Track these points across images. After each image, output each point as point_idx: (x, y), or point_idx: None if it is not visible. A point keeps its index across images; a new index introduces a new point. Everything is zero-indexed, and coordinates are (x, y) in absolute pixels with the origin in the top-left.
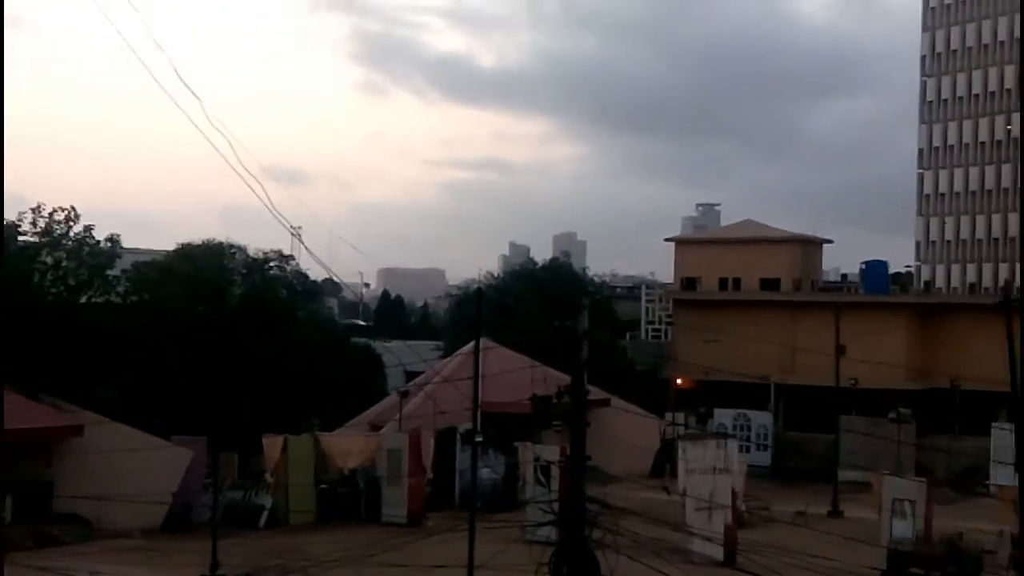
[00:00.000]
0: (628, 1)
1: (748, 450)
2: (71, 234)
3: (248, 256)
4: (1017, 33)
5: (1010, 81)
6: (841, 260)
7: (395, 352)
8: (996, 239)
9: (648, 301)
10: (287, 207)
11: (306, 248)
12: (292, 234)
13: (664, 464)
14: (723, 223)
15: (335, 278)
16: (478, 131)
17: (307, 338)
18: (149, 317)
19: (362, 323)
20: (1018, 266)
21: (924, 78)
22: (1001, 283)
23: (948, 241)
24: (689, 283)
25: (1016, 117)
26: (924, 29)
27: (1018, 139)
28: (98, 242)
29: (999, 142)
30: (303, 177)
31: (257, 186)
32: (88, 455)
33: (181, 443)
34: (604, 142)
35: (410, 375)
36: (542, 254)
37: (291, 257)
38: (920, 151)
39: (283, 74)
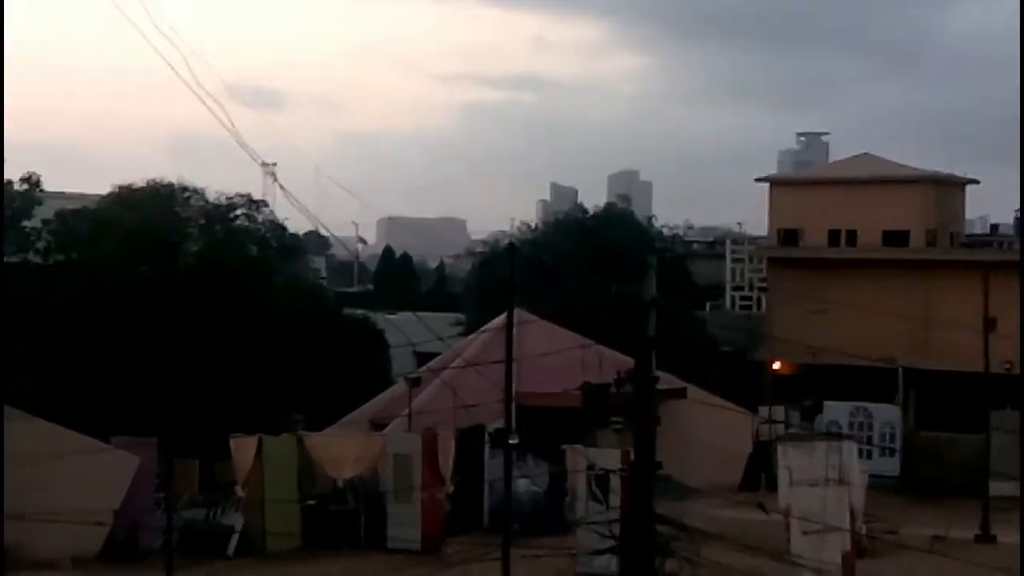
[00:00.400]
0: None
1: (869, 455)
2: None
3: (207, 202)
4: None
5: None
6: (990, 206)
7: (402, 327)
8: None
9: (735, 260)
10: (258, 137)
11: (283, 190)
12: (265, 172)
13: (759, 473)
14: (832, 158)
15: (322, 230)
16: (510, 37)
17: (286, 310)
18: (78, 282)
19: (358, 289)
20: None
21: None
22: None
23: None
24: (788, 236)
25: None
26: None
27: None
28: (10, 183)
29: None
30: (280, 99)
31: (219, 109)
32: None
33: (124, 446)
34: (674, 52)
35: (422, 357)
36: (594, 199)
37: (263, 203)
38: None
39: None
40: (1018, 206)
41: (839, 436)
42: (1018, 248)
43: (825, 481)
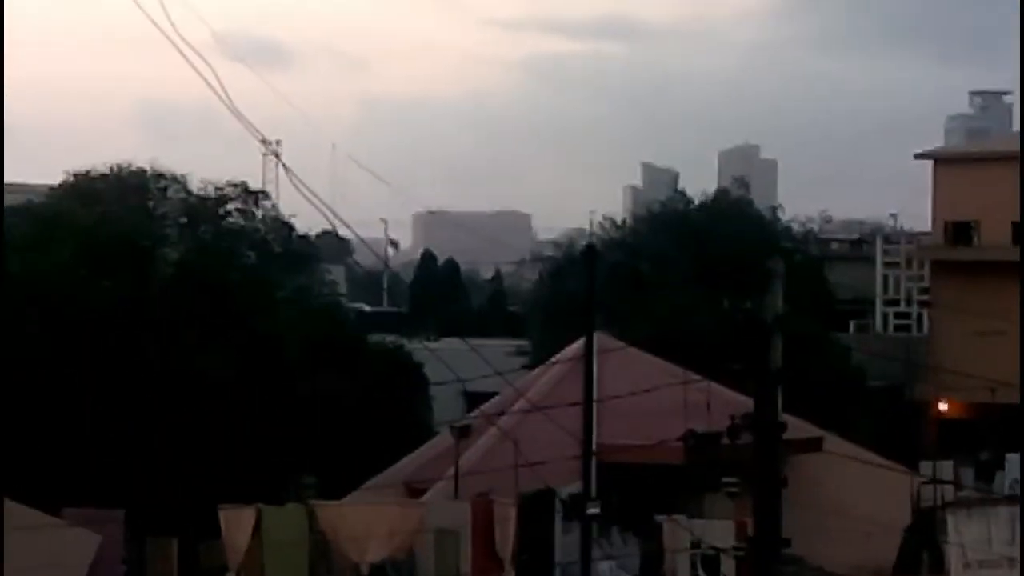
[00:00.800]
0: None
1: None
2: None
3: (190, 193)
4: None
5: None
6: None
7: (447, 359)
8: None
9: (887, 265)
10: (258, 107)
11: (289, 174)
12: (266, 152)
13: (919, 552)
14: (1016, 125)
15: (340, 230)
16: None
17: (292, 336)
18: (19, 301)
19: (389, 308)
20: None
21: None
22: None
23: None
24: (960, 232)
25: None
26: None
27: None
28: None
29: None
30: (286, 55)
31: (205, 68)
32: None
33: (82, 520)
34: None
35: (473, 399)
36: (700, 183)
37: (263, 194)
38: None
39: None
40: None
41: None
42: None
43: (1010, 562)
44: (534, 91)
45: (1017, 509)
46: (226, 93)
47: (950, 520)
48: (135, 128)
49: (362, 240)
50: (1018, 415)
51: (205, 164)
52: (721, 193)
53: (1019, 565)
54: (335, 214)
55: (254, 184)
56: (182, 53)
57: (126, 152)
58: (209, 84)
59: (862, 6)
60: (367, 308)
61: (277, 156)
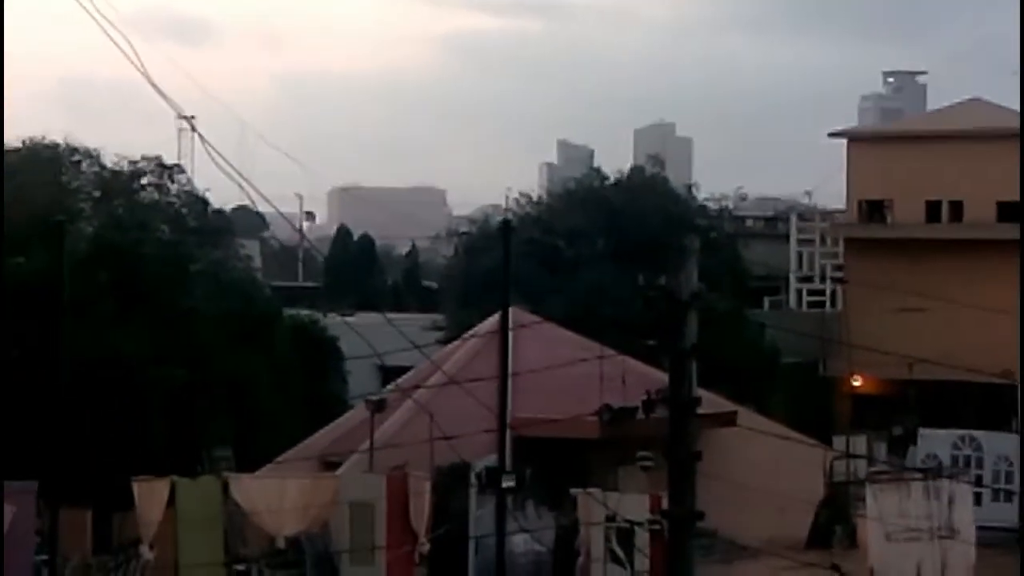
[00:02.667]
0: None
1: (979, 500)
2: None
3: (103, 167)
4: None
5: None
6: None
7: (362, 333)
8: None
9: (802, 242)
10: (175, 84)
11: (207, 147)
12: (181, 124)
13: (832, 526)
14: (930, 106)
15: (254, 203)
16: None
17: (207, 310)
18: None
19: (304, 283)
20: None
21: None
22: None
23: None
24: (873, 210)
25: None
26: None
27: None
28: None
29: None
30: (204, 30)
31: (124, 44)
32: None
33: None
34: None
35: (388, 373)
36: (616, 161)
37: (178, 168)
38: None
39: None
40: None
41: (947, 473)
42: None
43: (930, 534)
44: (453, 67)
45: (930, 483)
46: (144, 67)
47: (870, 492)
48: (51, 102)
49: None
50: (933, 391)
51: (119, 140)
52: (636, 170)
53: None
54: (251, 186)
55: (169, 159)
56: (101, 27)
57: (40, 126)
58: (128, 57)
59: None
60: (289, 283)
61: (193, 128)
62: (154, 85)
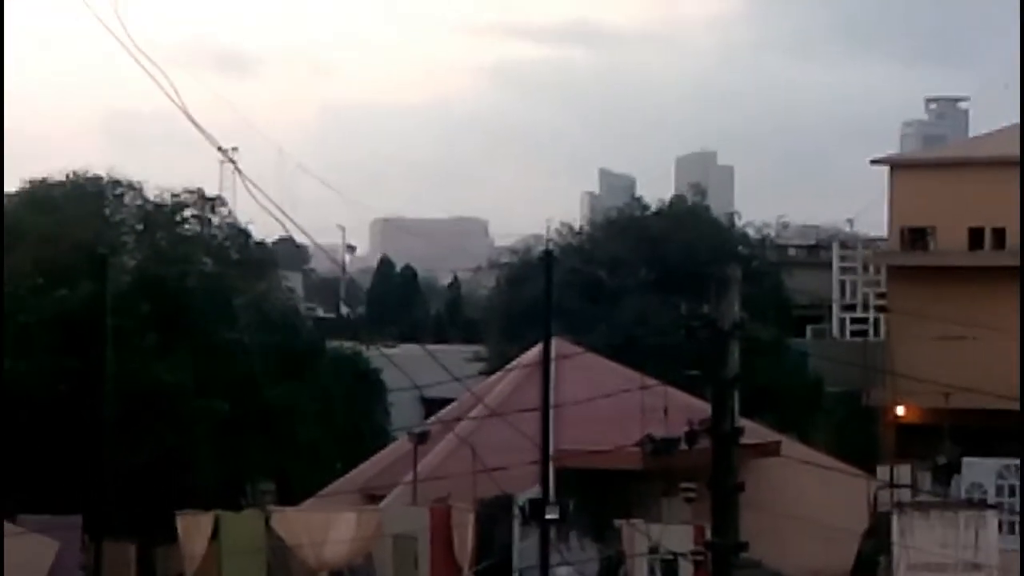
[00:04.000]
0: None
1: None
2: None
3: (146, 200)
4: None
5: None
6: None
7: (404, 365)
8: None
9: (844, 270)
10: (217, 115)
11: (245, 182)
12: (222, 158)
13: (876, 556)
14: (972, 132)
15: (297, 237)
16: None
17: (250, 343)
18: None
19: (345, 314)
20: None
21: None
22: None
23: None
24: (915, 237)
25: None
26: None
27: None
28: None
29: None
30: (251, 62)
31: (161, 78)
32: None
33: (38, 528)
34: None
35: (431, 405)
36: (657, 190)
37: (220, 201)
38: None
39: None
40: None
41: (982, 505)
42: None
43: (958, 568)
44: (498, 97)
45: (975, 513)
46: (181, 100)
47: (895, 523)
48: (94, 136)
49: (319, 246)
50: (977, 419)
51: (162, 172)
52: (677, 199)
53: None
54: (291, 219)
55: (210, 191)
56: (137, 61)
57: (84, 160)
58: (165, 91)
59: (819, 12)
60: (332, 315)
61: (232, 161)
62: (191, 119)
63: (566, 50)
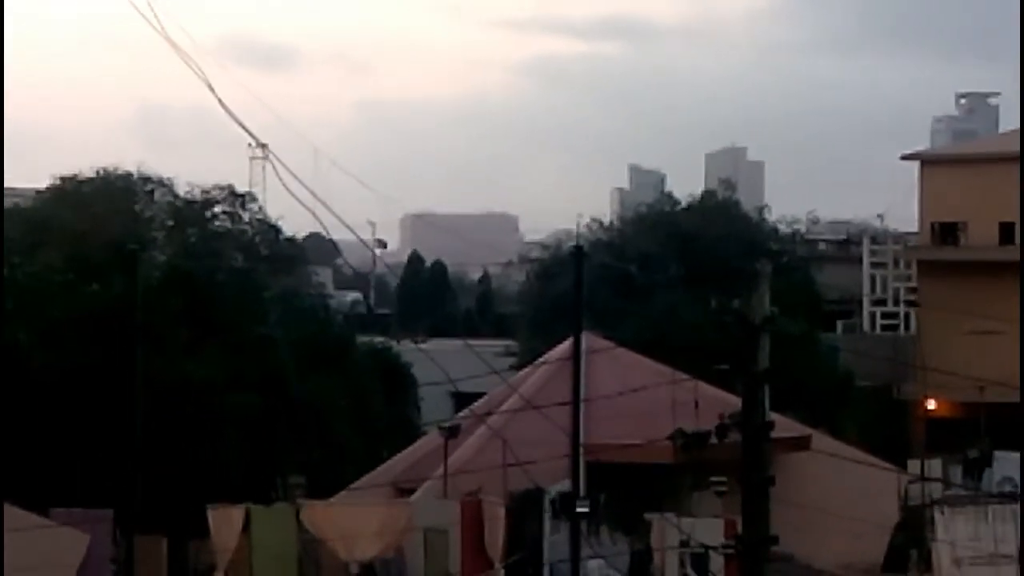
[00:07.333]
0: None
1: None
2: None
3: (177, 196)
4: None
5: None
6: None
7: (435, 359)
8: None
9: (875, 265)
10: (250, 108)
11: (279, 175)
12: (254, 154)
13: (907, 549)
14: (1003, 127)
15: (327, 231)
16: None
17: (280, 337)
18: (6, 304)
19: (376, 309)
20: None
21: None
22: None
23: None
24: (946, 232)
25: None
26: None
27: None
28: None
29: None
30: (286, 57)
31: (197, 67)
32: None
33: (70, 521)
34: None
35: (461, 399)
36: (687, 186)
37: (250, 196)
38: None
39: None
40: None
41: (1014, 497)
42: None
43: (995, 559)
44: (532, 92)
45: (1006, 507)
46: (218, 95)
47: (938, 517)
48: (125, 132)
49: (357, 236)
50: (1008, 413)
51: (192, 168)
52: (708, 195)
53: (1018, 561)
54: (325, 211)
55: (240, 187)
56: (180, 55)
57: (115, 156)
58: (206, 83)
59: (851, 9)
60: (357, 296)
61: (266, 156)
62: (228, 111)
63: (600, 45)
